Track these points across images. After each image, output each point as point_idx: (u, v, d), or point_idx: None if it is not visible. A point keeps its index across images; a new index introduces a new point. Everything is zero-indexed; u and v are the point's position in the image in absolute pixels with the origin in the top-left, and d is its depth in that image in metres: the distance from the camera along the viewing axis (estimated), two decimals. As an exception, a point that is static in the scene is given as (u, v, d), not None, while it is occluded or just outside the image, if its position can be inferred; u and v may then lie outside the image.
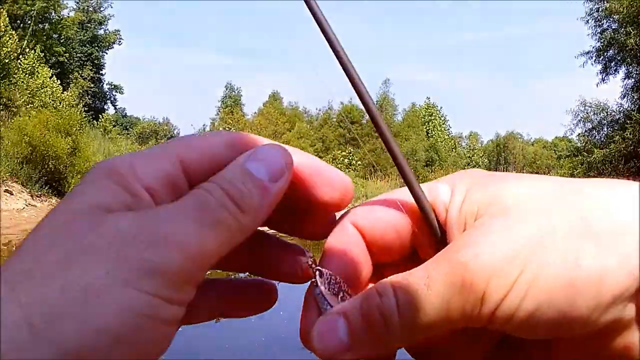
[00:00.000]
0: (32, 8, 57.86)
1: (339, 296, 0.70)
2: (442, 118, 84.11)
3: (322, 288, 0.70)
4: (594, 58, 51.11)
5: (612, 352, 0.62)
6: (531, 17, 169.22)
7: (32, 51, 48.63)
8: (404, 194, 0.73)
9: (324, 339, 0.65)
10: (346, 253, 0.73)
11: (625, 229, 0.59)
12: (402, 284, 0.63)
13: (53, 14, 64.08)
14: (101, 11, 77.95)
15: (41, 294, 0.52)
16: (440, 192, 0.73)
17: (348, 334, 0.64)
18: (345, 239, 0.74)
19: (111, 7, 79.61)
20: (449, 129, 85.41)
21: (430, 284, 0.61)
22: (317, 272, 0.71)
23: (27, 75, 44.76)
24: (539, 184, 0.67)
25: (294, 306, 0.80)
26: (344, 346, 0.64)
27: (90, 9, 76.70)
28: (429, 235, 0.73)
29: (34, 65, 46.93)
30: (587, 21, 50.49)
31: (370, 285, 0.74)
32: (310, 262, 0.72)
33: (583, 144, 52.70)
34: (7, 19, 39.44)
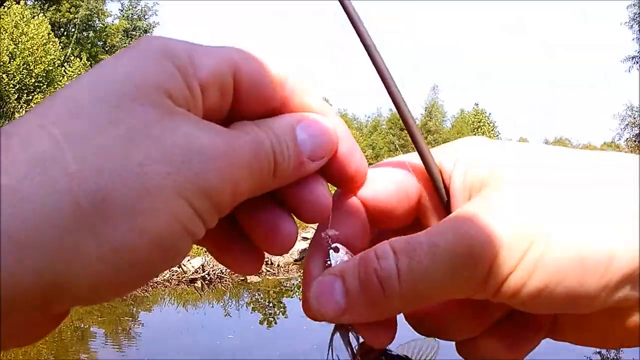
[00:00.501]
0: (76, 16, 57.98)
1: None
2: (491, 124, 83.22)
3: (334, 263, 0.68)
4: (639, 63, 50.31)
5: (619, 332, 0.63)
6: (578, 21, 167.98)
7: (78, 59, 48.50)
8: (413, 158, 0.72)
9: (320, 300, 0.64)
10: (346, 220, 0.71)
11: (632, 213, 0.58)
12: (404, 248, 0.61)
13: (97, 21, 64.20)
14: (146, 19, 78.09)
15: (96, 171, 0.48)
16: (444, 160, 0.71)
17: (344, 296, 0.63)
18: (345, 206, 0.72)
19: (156, 15, 79.27)
20: (498, 135, 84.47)
21: (436, 251, 0.60)
22: (333, 250, 0.69)
23: (72, 83, 44.72)
24: (548, 155, 0.66)
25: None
26: (340, 308, 0.64)
27: (135, 16, 76.85)
28: (434, 202, 0.72)
29: (79, 73, 46.73)
30: (631, 26, 49.71)
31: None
32: (330, 236, 0.70)
33: (631, 149, 52.00)
34: (50, 26, 39.17)
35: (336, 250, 0.68)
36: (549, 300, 0.58)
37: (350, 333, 0.68)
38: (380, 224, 0.73)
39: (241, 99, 0.62)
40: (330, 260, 0.67)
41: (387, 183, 0.71)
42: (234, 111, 0.63)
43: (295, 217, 0.68)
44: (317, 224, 0.70)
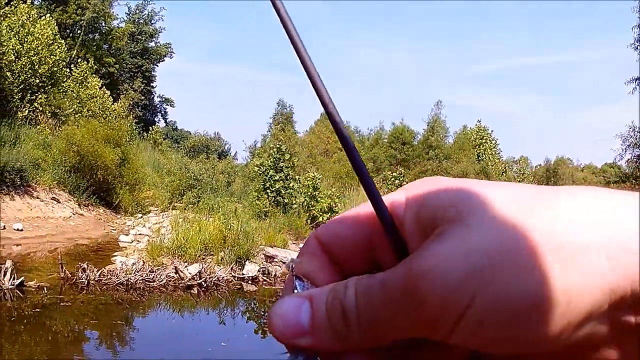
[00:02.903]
0: (82, 18, 58.00)
1: None
2: (493, 141, 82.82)
3: (299, 289, 0.71)
4: (643, 84, 50.07)
5: None
6: (584, 42, 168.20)
7: (85, 62, 48.50)
8: (369, 208, 0.72)
9: (285, 318, 0.65)
10: (308, 259, 0.74)
11: (592, 244, 0.55)
12: (363, 283, 0.63)
13: (103, 24, 64.22)
14: (152, 24, 78.07)
15: None
16: (396, 201, 0.70)
17: (310, 319, 0.64)
18: (309, 250, 0.75)
19: (162, 20, 79.42)
20: (499, 153, 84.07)
21: (386, 289, 0.60)
22: (297, 279, 0.72)
23: (77, 85, 44.57)
24: (503, 189, 0.63)
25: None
26: (302, 330, 0.64)
27: (141, 21, 76.82)
28: (392, 248, 0.70)
29: (85, 75, 46.74)
30: (637, 47, 49.51)
31: None
32: (294, 264, 0.75)
33: (632, 170, 51.77)
34: (57, 27, 39.14)
35: (301, 279, 0.71)
36: (504, 344, 0.57)
37: None
38: (344, 267, 0.74)
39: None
40: (296, 287, 0.70)
41: (342, 228, 0.73)
42: None
43: None
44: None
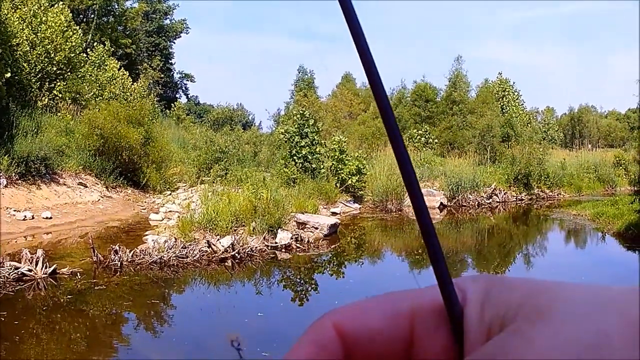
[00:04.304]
0: (95, 2, 57.99)
1: None
2: (516, 93, 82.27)
3: None
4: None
5: None
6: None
7: (102, 45, 48.61)
8: (406, 295, 0.65)
9: None
10: (306, 347, 0.63)
11: None
12: None
13: (116, 6, 64.14)
14: (165, 1, 78.00)
15: None
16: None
17: None
18: (318, 339, 0.63)
19: (174, -4, 79.27)
20: (522, 104, 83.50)
21: None
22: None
23: (95, 69, 44.63)
24: (572, 287, 0.59)
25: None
26: None
27: (154, -1, 76.83)
28: (431, 342, 0.63)
29: (103, 58, 46.81)
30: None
31: None
32: (239, 347, 0.58)
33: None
34: (70, 14, 39.06)
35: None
36: None
37: None
38: None
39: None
40: None
41: (375, 317, 0.63)
42: None
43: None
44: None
